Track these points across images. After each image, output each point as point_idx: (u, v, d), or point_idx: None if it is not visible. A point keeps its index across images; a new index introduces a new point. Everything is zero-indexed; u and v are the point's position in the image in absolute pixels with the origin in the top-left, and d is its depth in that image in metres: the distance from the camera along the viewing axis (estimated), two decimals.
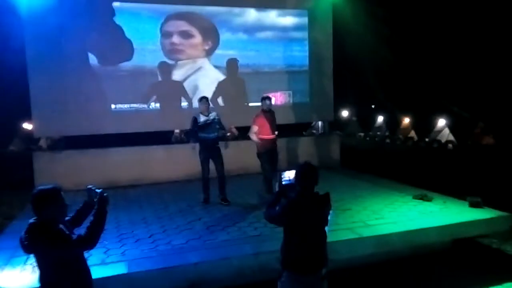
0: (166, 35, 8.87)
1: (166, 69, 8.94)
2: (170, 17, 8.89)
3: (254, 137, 6.76)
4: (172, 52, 8.95)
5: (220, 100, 9.34)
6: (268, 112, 6.87)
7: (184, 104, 9.14)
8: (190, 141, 6.93)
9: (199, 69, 9.19)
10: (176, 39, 8.94)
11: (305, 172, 2.97)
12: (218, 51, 9.27)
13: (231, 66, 9.40)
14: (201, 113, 6.68)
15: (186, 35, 9.03)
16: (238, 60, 9.41)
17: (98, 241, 2.63)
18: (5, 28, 7.44)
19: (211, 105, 6.93)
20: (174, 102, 9.10)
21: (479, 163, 7.33)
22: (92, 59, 8.43)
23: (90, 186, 2.82)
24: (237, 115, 9.00)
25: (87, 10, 8.20)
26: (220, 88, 9.33)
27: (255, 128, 6.75)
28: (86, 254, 2.83)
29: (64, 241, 2.50)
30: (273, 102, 7.15)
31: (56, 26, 7.89)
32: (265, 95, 7.11)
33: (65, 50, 8.05)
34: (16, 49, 7.84)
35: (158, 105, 8.94)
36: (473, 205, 5.87)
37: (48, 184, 2.67)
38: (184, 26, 9.00)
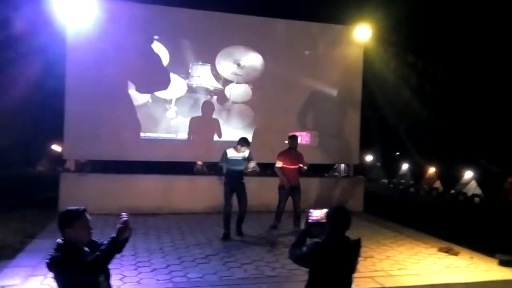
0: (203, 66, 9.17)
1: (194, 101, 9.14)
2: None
3: (278, 164, 7.24)
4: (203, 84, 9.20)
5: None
6: (293, 150, 7.30)
7: (220, 137, 9.25)
8: (213, 173, 7.03)
9: (227, 102, 9.38)
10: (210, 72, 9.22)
11: (339, 215, 2.92)
12: (246, 87, 9.46)
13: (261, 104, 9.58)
14: (234, 149, 6.73)
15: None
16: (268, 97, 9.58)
17: (98, 270, 2.54)
18: (48, 54, 7.82)
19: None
20: (202, 134, 9.23)
21: (508, 220, 7.06)
22: (129, 86, 8.73)
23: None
24: (259, 151, 9.04)
25: (129, 40, 8.56)
26: (247, 123, 9.44)
27: (279, 163, 7.27)
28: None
29: (75, 266, 2.47)
30: (299, 140, 7.44)
31: (97, 54, 8.27)
32: (291, 134, 7.41)
33: (103, 77, 8.37)
34: (56, 74, 8.20)
35: (185, 135, 9.09)
36: (503, 263, 5.60)
37: (73, 205, 2.68)
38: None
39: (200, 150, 9.13)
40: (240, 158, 6.72)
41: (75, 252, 2.52)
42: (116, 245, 2.57)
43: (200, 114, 9.22)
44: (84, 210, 2.66)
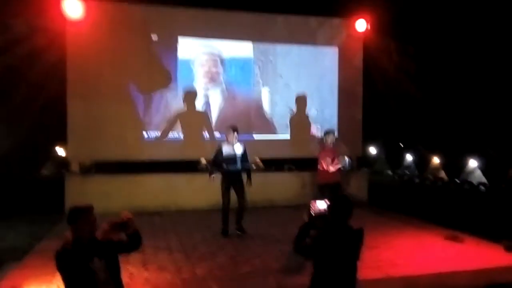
0: (200, 65, 9.18)
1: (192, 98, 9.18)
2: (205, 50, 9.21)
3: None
4: (204, 81, 9.23)
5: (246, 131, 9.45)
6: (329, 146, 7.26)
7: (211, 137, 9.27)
8: (211, 171, 6.84)
9: (227, 98, 9.38)
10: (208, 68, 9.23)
11: (341, 204, 2.94)
12: (246, 84, 9.45)
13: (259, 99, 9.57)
14: (227, 142, 6.67)
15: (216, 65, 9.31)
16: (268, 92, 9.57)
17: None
18: (48, 57, 7.85)
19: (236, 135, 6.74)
20: (202, 131, 9.26)
21: None
22: (130, 88, 8.76)
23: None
24: (263, 147, 9.06)
25: (127, 41, 8.59)
26: (249, 120, 9.46)
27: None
28: None
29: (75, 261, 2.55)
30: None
31: (98, 54, 8.30)
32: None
33: (105, 77, 8.42)
34: (57, 75, 8.23)
35: (186, 133, 9.11)
36: (509, 249, 5.60)
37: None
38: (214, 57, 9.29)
39: (203, 148, 9.15)
40: (234, 154, 6.58)
41: (78, 247, 2.57)
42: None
43: (197, 110, 9.21)
44: (89, 208, 2.71)
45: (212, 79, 9.27)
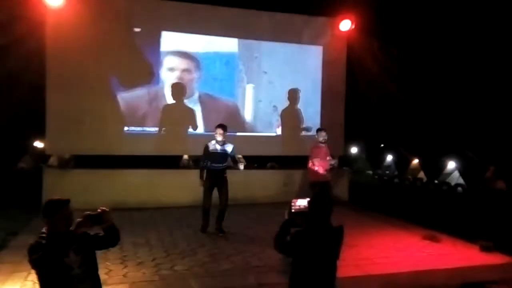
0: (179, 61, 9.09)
1: (176, 93, 9.09)
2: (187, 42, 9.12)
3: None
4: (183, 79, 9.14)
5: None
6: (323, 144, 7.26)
7: (195, 130, 9.20)
8: (201, 175, 6.61)
9: (210, 97, 9.31)
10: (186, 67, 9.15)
11: (320, 202, 2.94)
12: (229, 80, 9.40)
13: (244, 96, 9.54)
14: (216, 140, 6.50)
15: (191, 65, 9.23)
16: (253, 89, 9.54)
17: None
18: (27, 47, 7.63)
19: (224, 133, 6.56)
20: (186, 127, 9.18)
21: (490, 207, 7.21)
22: (112, 81, 8.61)
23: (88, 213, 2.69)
24: (246, 144, 9.03)
25: (109, 33, 8.43)
26: (232, 117, 9.42)
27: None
28: None
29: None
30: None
31: (79, 46, 8.11)
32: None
33: (86, 69, 8.26)
34: (35, 66, 8.03)
35: (170, 129, 9.02)
36: (484, 249, 5.74)
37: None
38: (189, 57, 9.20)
39: (183, 143, 9.08)
40: (220, 152, 6.45)
41: (53, 241, 2.51)
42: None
43: (181, 105, 9.12)
44: (65, 201, 2.64)
45: (186, 87, 9.18)
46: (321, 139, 7.17)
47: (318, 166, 7.09)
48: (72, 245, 2.57)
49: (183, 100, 9.16)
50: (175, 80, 9.06)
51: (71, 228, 2.61)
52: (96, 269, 2.75)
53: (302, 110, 9.97)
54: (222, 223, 6.62)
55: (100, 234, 2.72)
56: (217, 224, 6.60)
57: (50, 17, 8.00)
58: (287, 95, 9.82)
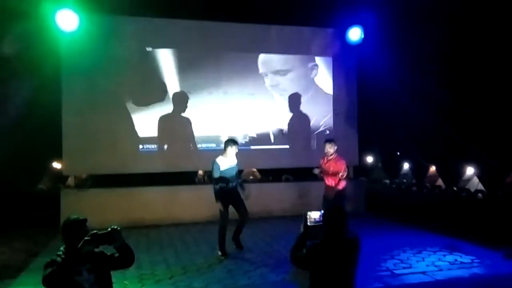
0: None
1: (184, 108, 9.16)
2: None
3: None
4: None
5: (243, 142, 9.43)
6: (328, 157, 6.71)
7: (209, 145, 9.25)
8: (216, 195, 6.20)
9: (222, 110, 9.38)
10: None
11: (334, 214, 2.92)
12: (241, 94, 9.48)
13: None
14: (225, 156, 6.22)
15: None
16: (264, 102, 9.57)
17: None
18: (43, 70, 7.84)
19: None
20: (198, 143, 9.23)
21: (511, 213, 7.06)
22: (125, 100, 8.75)
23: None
24: (260, 158, 9.04)
25: (122, 53, 8.60)
26: (244, 130, 9.46)
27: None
28: None
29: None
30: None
31: (92, 67, 8.26)
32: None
33: (99, 90, 8.43)
34: (51, 89, 8.22)
35: (184, 145, 9.09)
36: (508, 256, 5.58)
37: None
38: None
39: (200, 159, 9.12)
40: (233, 167, 6.21)
41: (67, 259, 2.54)
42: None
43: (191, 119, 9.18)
44: (82, 220, 2.68)
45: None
46: (325, 151, 6.81)
47: (326, 179, 6.78)
48: (86, 264, 2.59)
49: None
50: (188, 97, 9.15)
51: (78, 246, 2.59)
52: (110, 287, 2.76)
53: (315, 120, 9.92)
54: (239, 237, 6.50)
55: (116, 255, 2.73)
56: (235, 238, 6.46)
57: (64, 41, 8.20)
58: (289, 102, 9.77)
